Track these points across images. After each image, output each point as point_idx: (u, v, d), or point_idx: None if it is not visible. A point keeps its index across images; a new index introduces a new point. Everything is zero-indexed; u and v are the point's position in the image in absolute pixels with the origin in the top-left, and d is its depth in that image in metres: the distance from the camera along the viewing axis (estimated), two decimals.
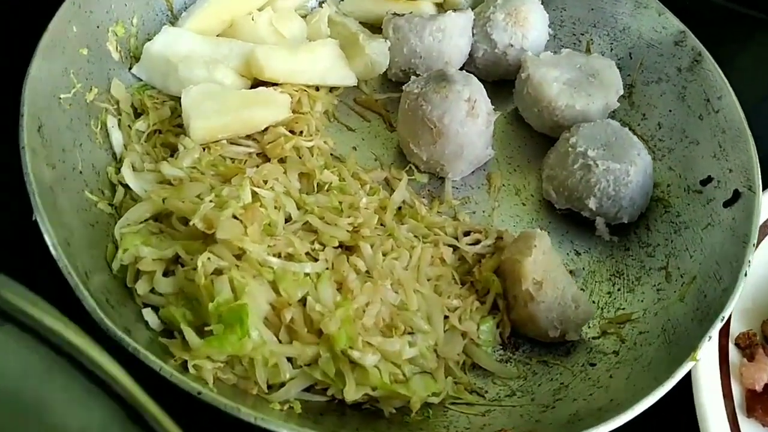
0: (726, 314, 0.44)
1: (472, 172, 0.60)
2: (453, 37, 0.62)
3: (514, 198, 0.59)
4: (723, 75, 0.57)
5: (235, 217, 0.45)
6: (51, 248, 0.40)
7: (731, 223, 0.49)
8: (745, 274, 0.44)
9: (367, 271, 0.49)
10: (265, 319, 0.42)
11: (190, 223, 0.44)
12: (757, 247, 0.50)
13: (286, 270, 0.44)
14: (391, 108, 0.65)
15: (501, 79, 0.66)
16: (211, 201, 0.46)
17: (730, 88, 0.55)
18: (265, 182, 0.51)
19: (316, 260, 0.47)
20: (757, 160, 0.50)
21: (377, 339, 0.43)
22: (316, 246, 0.49)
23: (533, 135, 0.63)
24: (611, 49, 0.65)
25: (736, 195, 0.50)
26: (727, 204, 0.51)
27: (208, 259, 0.43)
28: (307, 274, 0.45)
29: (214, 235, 0.44)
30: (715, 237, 0.50)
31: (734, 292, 0.44)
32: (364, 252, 0.49)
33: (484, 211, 0.58)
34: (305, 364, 0.42)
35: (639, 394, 0.41)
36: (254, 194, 0.49)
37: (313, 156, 0.56)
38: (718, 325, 0.42)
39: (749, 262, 0.45)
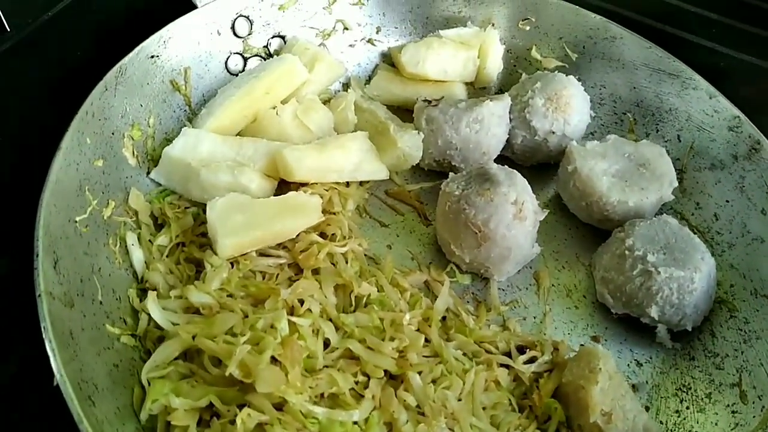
0: None
1: (519, 271, 0.57)
2: (491, 128, 0.58)
3: (566, 300, 0.55)
4: None
5: (273, 358, 0.41)
6: (75, 419, 0.35)
7: None
8: None
9: (417, 405, 0.45)
10: None
11: (227, 372, 0.40)
12: None
13: (332, 420, 0.40)
14: (425, 199, 0.61)
15: (540, 163, 0.62)
16: (245, 341, 0.41)
17: None
18: (301, 302, 0.47)
19: (362, 396, 0.43)
20: None
21: None
22: (360, 378, 0.44)
23: (579, 226, 0.59)
24: (657, 131, 0.61)
25: None
26: None
27: (248, 415, 0.38)
28: (355, 423, 0.41)
29: (252, 385, 0.40)
30: None
31: None
32: (413, 383, 0.45)
33: (535, 317, 0.54)
34: None
35: None
36: (291, 323, 0.45)
37: (348, 262, 0.52)
38: None
39: None
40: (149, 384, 0.42)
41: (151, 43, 0.55)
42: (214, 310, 0.46)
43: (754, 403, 0.46)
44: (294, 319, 0.45)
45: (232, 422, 0.39)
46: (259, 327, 0.43)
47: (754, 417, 0.45)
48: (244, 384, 0.40)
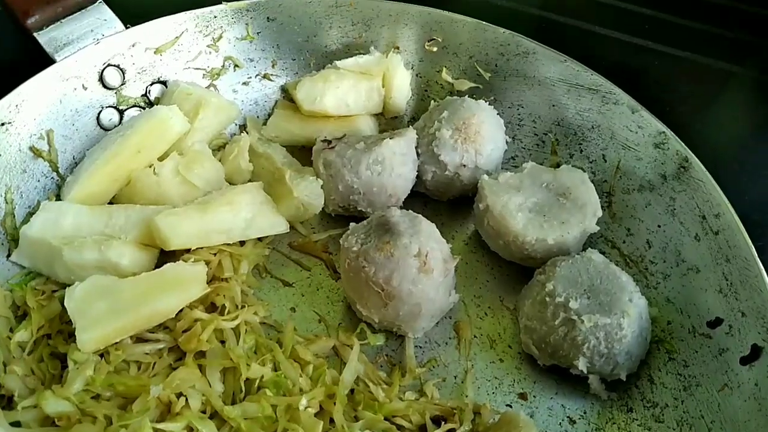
0: None
1: (437, 323, 0.51)
2: (394, 168, 0.52)
3: (490, 352, 0.49)
4: (717, 186, 0.47)
5: None
6: None
7: (754, 391, 0.40)
8: None
9: None
10: None
11: None
12: None
13: None
14: (334, 248, 0.55)
15: (459, 197, 0.57)
16: None
17: (728, 204, 0.46)
18: (178, 396, 0.41)
19: None
20: None
21: None
22: None
23: (502, 264, 0.54)
24: (581, 151, 0.56)
25: (756, 351, 0.41)
26: (745, 361, 0.41)
27: None
28: None
29: None
30: (735, 405, 0.41)
31: None
32: None
33: (455, 377, 0.48)
34: None
35: None
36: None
37: (239, 338, 0.46)
38: None
39: None
40: None
41: (6, 102, 0.49)
42: (73, 420, 0.40)
43: None
44: (162, 426, 0.39)
45: None
46: None
47: None
48: None
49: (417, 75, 0.62)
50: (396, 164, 0.53)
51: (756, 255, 0.43)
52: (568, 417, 0.46)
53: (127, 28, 0.55)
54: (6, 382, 0.42)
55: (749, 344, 0.41)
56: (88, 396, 0.41)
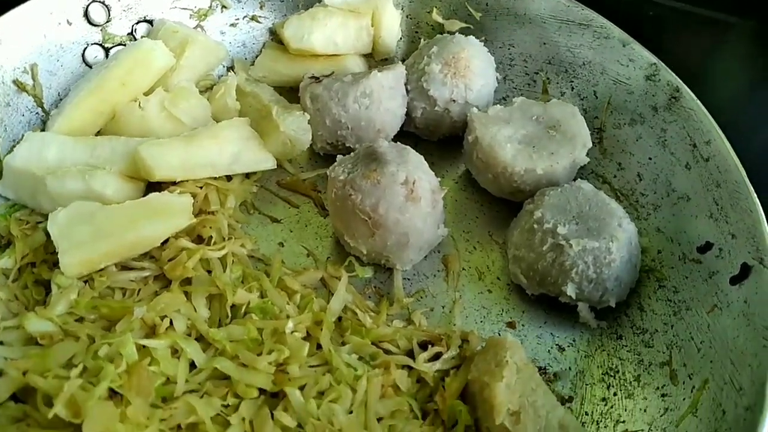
0: None
1: (425, 257, 0.51)
2: (382, 101, 0.52)
3: (478, 284, 0.49)
4: (708, 113, 0.47)
5: (113, 390, 0.35)
6: None
7: (743, 308, 0.39)
8: None
9: (299, 424, 0.39)
10: None
11: (51, 413, 0.34)
12: None
13: None
14: (323, 187, 0.55)
15: (446, 137, 0.56)
16: (78, 374, 0.35)
17: (719, 130, 0.46)
18: (159, 326, 0.41)
19: (228, 423, 0.37)
20: (766, 223, 0.41)
21: None
22: (231, 400, 0.39)
23: (492, 201, 0.53)
24: (572, 89, 0.56)
25: (745, 270, 0.40)
26: (735, 281, 0.41)
27: None
28: None
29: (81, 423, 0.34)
30: (725, 323, 0.40)
31: (763, 413, 0.34)
32: (293, 400, 0.39)
33: (443, 307, 0.48)
34: None
35: None
36: (142, 348, 0.38)
37: (226, 269, 0.46)
38: None
39: None
40: None
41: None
42: (56, 339, 0.39)
43: (684, 383, 0.41)
44: (146, 341, 0.39)
45: None
46: (101, 355, 0.37)
47: (684, 399, 0.40)
48: (74, 427, 0.34)
49: (407, 16, 0.61)
50: (384, 98, 0.52)
51: (746, 177, 0.43)
52: (557, 345, 0.46)
53: None
54: None
55: (739, 264, 0.41)
56: (72, 318, 0.41)
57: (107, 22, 0.55)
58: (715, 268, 0.43)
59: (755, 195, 0.42)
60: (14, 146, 0.49)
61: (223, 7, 0.59)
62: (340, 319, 0.46)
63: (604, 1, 0.59)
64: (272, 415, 0.39)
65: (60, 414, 0.34)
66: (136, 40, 0.56)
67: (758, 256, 0.40)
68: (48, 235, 0.47)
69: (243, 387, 0.39)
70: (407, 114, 0.56)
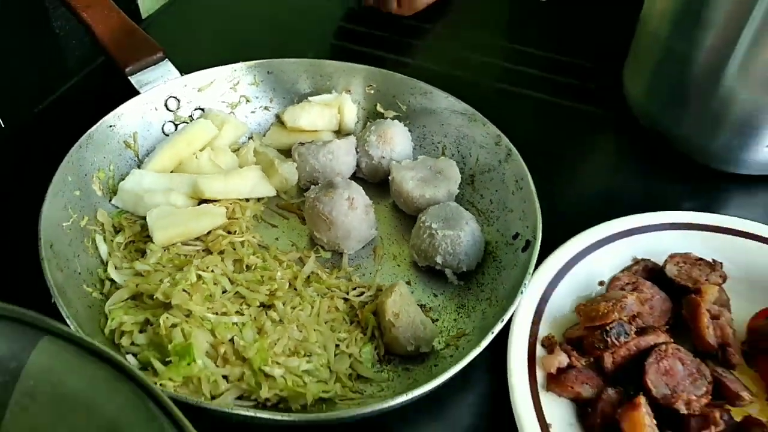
0: (501, 323, 0.66)
1: (363, 247, 0.84)
2: (341, 157, 0.87)
3: (392, 262, 0.82)
4: (524, 164, 0.81)
5: (184, 290, 0.68)
6: (66, 319, 0.61)
7: (524, 263, 0.72)
8: (521, 293, 0.67)
9: (280, 320, 0.71)
10: (206, 353, 0.64)
11: (154, 297, 0.67)
12: (557, 285, 0.74)
13: (220, 321, 0.66)
14: (303, 207, 0.89)
15: (382, 181, 0.90)
16: (168, 282, 0.68)
17: (528, 174, 0.80)
18: (207, 268, 0.74)
19: (242, 315, 0.70)
20: (540, 220, 0.74)
21: (283, 359, 0.64)
22: (243, 307, 0.71)
23: (405, 217, 0.87)
24: (458, 151, 0.90)
25: (528, 244, 0.74)
26: (524, 250, 0.74)
27: (167, 317, 0.65)
28: (234, 324, 0.67)
29: (171, 303, 0.66)
30: (516, 273, 0.73)
31: (508, 309, 0.66)
32: (277, 307, 0.71)
33: (370, 273, 0.80)
34: (236, 380, 0.64)
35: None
36: (199, 276, 0.71)
37: (243, 247, 0.79)
38: (499, 326, 0.64)
39: (525, 285, 0.68)
40: (110, 313, 0.68)
41: (109, 118, 0.83)
42: (152, 273, 0.73)
43: (494, 305, 0.73)
44: (200, 272, 0.71)
45: (159, 326, 0.65)
46: (177, 278, 0.70)
47: (493, 316, 0.71)
48: (166, 306, 0.67)
49: (361, 108, 0.97)
50: (341, 155, 0.87)
51: (535, 197, 0.76)
52: (433, 293, 0.78)
53: (182, 75, 0.91)
54: (111, 260, 0.75)
55: (525, 241, 0.74)
56: (159, 265, 0.74)
57: (177, 109, 0.90)
58: (518, 246, 0.76)
59: (538, 206, 0.76)
60: (121, 177, 0.84)
61: (247, 101, 0.95)
62: (308, 278, 0.79)
63: (474, 96, 0.93)
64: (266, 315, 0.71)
65: (159, 298, 0.66)
66: (193, 119, 0.93)
67: (533, 236, 0.73)
68: (142, 228, 0.81)
69: (251, 299, 0.71)
70: (357, 165, 0.90)
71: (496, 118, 0.87)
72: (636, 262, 0.78)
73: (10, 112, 0.95)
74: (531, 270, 0.69)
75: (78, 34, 1.03)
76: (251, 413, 0.57)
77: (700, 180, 0.94)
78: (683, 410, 0.63)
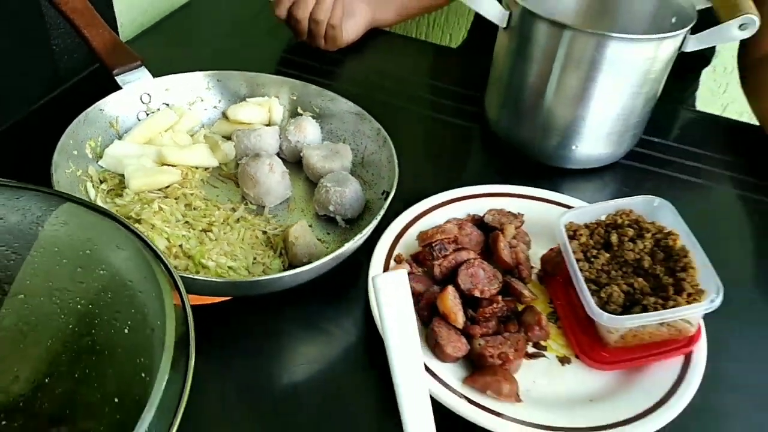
0: (360, 236, 0.99)
1: (280, 203, 1.16)
2: (267, 139, 1.18)
3: (300, 213, 1.13)
4: (393, 148, 1.15)
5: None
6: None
7: (383, 205, 1.05)
8: (376, 219, 1.00)
9: (216, 239, 1.02)
10: (163, 252, 0.95)
11: (129, 216, 0.98)
12: (410, 227, 1.07)
13: (173, 233, 0.98)
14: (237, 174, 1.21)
15: (297, 161, 1.23)
16: (138, 207, 1.00)
17: (395, 154, 1.14)
18: (166, 205, 1.06)
19: (189, 233, 1.01)
20: (396, 180, 1.08)
21: (215, 257, 0.96)
22: (190, 229, 1.03)
23: (312, 184, 1.18)
24: (353, 140, 1.23)
25: (386, 194, 1.07)
26: (385, 199, 1.07)
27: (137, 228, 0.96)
28: (183, 235, 0.99)
29: (140, 220, 0.98)
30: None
31: (365, 229, 0.99)
32: (214, 231, 1.03)
33: (284, 219, 1.13)
34: (183, 269, 0.95)
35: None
36: (160, 208, 1.03)
37: (192, 196, 1.11)
38: (358, 237, 0.97)
39: (379, 215, 1.01)
40: None
41: (100, 103, 1.12)
42: (127, 205, 1.04)
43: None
44: (161, 205, 1.03)
45: None
46: (144, 206, 1.02)
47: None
48: (137, 221, 0.98)
49: (286, 109, 1.30)
50: (267, 138, 1.17)
51: (396, 162, 1.11)
52: (326, 232, 1.10)
53: (154, 78, 1.23)
54: (98, 200, 1.06)
55: (386, 192, 1.08)
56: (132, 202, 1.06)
57: (149, 102, 1.21)
58: (383, 199, 1.09)
59: (397, 172, 1.09)
60: (106, 145, 1.15)
61: (201, 100, 1.28)
62: (238, 220, 1.11)
63: (373, 107, 1.28)
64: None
65: (132, 216, 0.97)
66: (160, 110, 1.25)
67: (389, 189, 1.07)
68: (120, 180, 1.12)
69: (195, 226, 1.03)
70: (279, 148, 1.23)
71: (389, 124, 1.21)
72: (467, 215, 1.13)
73: (10, 110, 1.26)
74: (385, 207, 1.02)
75: (72, 50, 1.36)
76: (192, 276, 0.88)
77: (536, 172, 1.30)
78: (478, 294, 0.96)
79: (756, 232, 1.14)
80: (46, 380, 0.62)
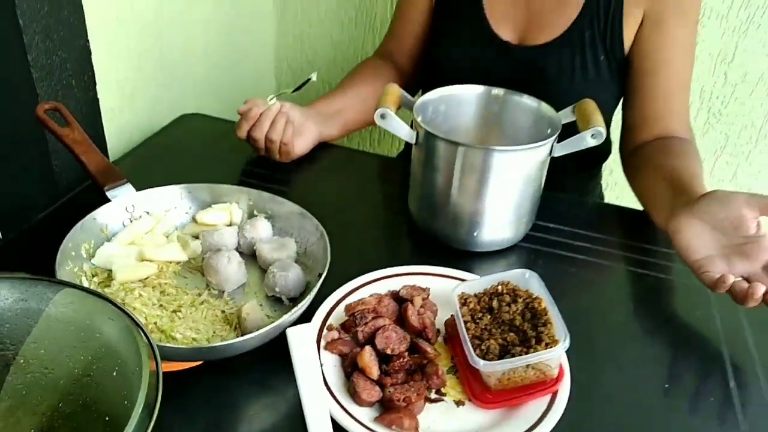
0: (297, 309, 1.26)
1: (236, 288, 1.43)
2: (227, 237, 1.45)
3: (254, 295, 1.42)
4: (329, 241, 1.45)
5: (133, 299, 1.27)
6: None
7: (317, 284, 1.33)
8: (309, 295, 1.28)
9: (183, 318, 1.29)
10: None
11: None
12: (342, 301, 1.35)
13: (150, 313, 1.24)
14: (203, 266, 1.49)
15: (252, 253, 1.52)
16: (123, 295, 1.27)
17: (329, 245, 1.43)
18: (144, 292, 1.33)
19: (162, 313, 1.28)
20: (327, 266, 1.37)
21: (182, 331, 1.22)
22: (163, 311, 1.29)
23: (263, 271, 1.48)
24: (299, 234, 1.53)
25: (320, 275, 1.36)
26: (318, 278, 1.35)
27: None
28: (158, 315, 1.25)
29: (124, 304, 1.25)
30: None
31: (300, 303, 1.27)
32: (182, 312, 1.29)
33: (240, 300, 1.40)
34: (157, 340, 1.21)
35: None
36: (139, 294, 1.30)
37: (166, 285, 1.38)
38: (295, 310, 1.25)
39: (313, 291, 1.29)
40: None
41: (93, 214, 1.40)
42: (114, 293, 1.31)
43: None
44: (140, 292, 1.30)
45: None
46: (128, 294, 1.29)
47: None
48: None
49: (244, 212, 1.60)
50: (227, 236, 1.45)
51: (329, 254, 1.39)
52: (274, 309, 1.38)
53: (137, 191, 1.53)
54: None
55: (320, 274, 1.36)
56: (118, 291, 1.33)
57: (133, 211, 1.49)
58: (318, 279, 1.37)
59: (329, 260, 1.38)
60: (97, 247, 1.43)
61: (175, 207, 1.57)
62: (202, 302, 1.38)
63: (318, 207, 1.59)
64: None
65: (117, 302, 1.24)
66: (142, 217, 1.54)
67: (323, 271, 1.35)
68: (109, 274, 1.39)
69: (167, 308, 1.30)
70: (238, 243, 1.52)
71: (329, 220, 1.46)
72: (388, 291, 1.41)
73: (20, 219, 1.54)
74: (318, 286, 1.30)
75: (69, 170, 1.67)
76: (164, 344, 1.14)
77: (451, 255, 1.58)
78: (390, 352, 1.23)
79: (632, 299, 1.41)
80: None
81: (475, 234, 1.47)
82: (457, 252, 1.42)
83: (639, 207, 1.56)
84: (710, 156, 2.33)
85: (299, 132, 1.49)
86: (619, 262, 1.43)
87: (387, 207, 1.62)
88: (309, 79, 1.47)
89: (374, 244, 1.52)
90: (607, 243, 1.47)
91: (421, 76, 1.68)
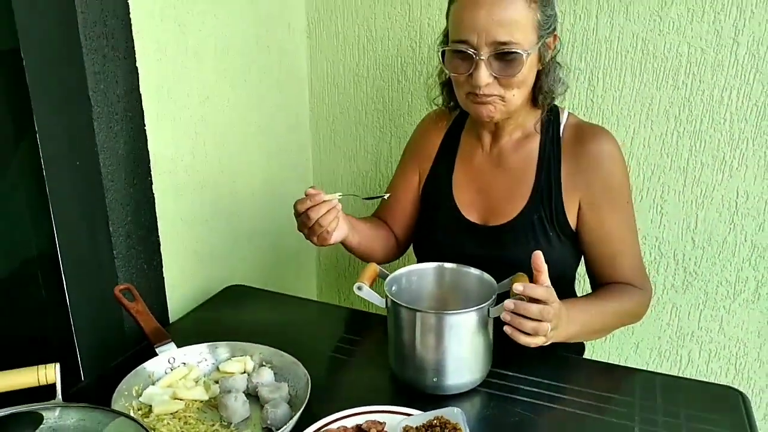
0: None
1: (243, 420, 1.89)
2: (238, 382, 1.94)
3: (254, 427, 1.87)
4: (310, 380, 1.91)
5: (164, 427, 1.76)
6: None
7: (297, 418, 1.78)
8: (289, 424, 1.73)
9: None
10: None
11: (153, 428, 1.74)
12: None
13: None
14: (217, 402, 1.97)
15: (257, 394, 1.99)
16: (156, 423, 1.77)
17: (310, 383, 1.89)
18: (172, 423, 1.81)
19: None
20: (306, 401, 1.82)
21: None
22: None
23: (262, 408, 1.94)
24: (293, 379, 2.00)
25: (299, 411, 1.81)
26: (294, 414, 1.80)
27: None
28: None
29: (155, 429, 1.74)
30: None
31: (281, 429, 1.72)
32: None
33: (246, 429, 1.86)
34: None
35: None
36: (168, 423, 1.78)
37: (189, 417, 1.86)
38: None
39: (293, 421, 1.74)
40: None
41: (144, 365, 1.96)
42: (152, 422, 1.80)
43: None
44: (168, 422, 1.79)
45: None
46: (161, 424, 1.78)
47: None
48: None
49: (256, 363, 2.10)
50: (238, 381, 1.98)
51: (309, 392, 1.84)
52: None
53: (178, 348, 2.00)
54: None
55: (300, 409, 1.81)
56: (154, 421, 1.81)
57: (174, 362, 2.00)
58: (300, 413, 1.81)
59: (308, 397, 1.84)
60: (145, 388, 1.95)
61: (205, 360, 2.10)
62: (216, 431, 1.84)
63: (314, 360, 2.07)
64: None
65: (153, 430, 1.73)
66: (179, 367, 2.06)
67: (300, 407, 1.80)
68: (150, 408, 1.88)
69: None
70: (247, 386, 2.00)
71: (320, 368, 1.80)
72: (355, 424, 1.84)
73: (100, 365, 2.09)
74: (295, 419, 1.75)
75: (136, 333, 2.25)
76: None
77: (417, 398, 1.84)
78: None
79: None
80: None
81: (434, 380, 1.83)
82: (423, 395, 1.62)
83: (596, 358, 1.84)
84: (694, 310, 2.61)
85: (338, 227, 1.73)
86: (574, 407, 1.57)
87: (370, 359, 1.92)
88: (382, 196, 1.77)
89: (355, 388, 1.77)
90: (565, 390, 1.64)
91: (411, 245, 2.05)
